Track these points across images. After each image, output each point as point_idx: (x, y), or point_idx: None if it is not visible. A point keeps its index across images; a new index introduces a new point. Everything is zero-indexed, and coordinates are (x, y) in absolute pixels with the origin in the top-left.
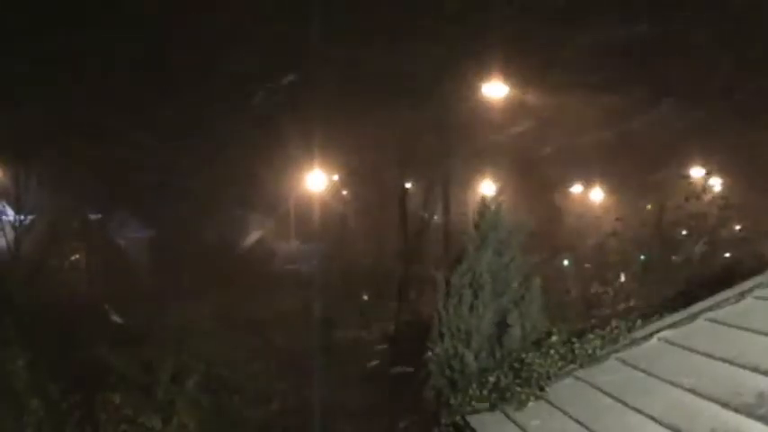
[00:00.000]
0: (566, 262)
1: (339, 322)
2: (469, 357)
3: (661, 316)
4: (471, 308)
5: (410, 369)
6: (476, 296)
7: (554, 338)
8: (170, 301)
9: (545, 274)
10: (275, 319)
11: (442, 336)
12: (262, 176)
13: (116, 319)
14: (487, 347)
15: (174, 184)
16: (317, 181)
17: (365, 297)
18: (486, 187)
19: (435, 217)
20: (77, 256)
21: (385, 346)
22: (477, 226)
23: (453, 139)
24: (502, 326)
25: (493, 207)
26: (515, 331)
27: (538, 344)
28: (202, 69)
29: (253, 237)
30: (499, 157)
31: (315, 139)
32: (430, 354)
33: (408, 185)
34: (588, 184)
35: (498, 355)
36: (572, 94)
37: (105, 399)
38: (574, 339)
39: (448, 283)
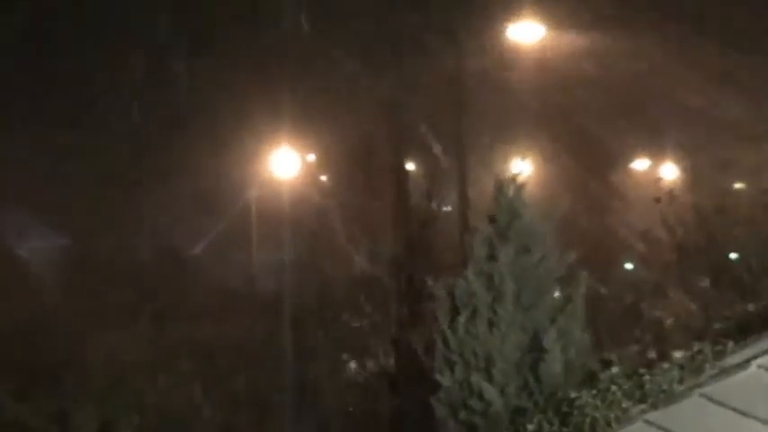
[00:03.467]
0: (628, 265)
1: (315, 353)
2: (492, 392)
3: (760, 336)
4: (490, 325)
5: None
6: (493, 309)
7: (614, 370)
8: (91, 331)
9: (594, 279)
10: (229, 352)
11: (451, 365)
12: (210, 161)
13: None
14: (517, 380)
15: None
16: (285, 164)
17: (352, 320)
18: (520, 165)
19: (448, 208)
20: None
21: (376, 383)
22: (492, 218)
23: (472, 102)
24: (534, 350)
25: (511, 190)
26: (554, 358)
27: (591, 377)
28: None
29: (199, 245)
30: (536, 125)
31: (282, 105)
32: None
33: (410, 166)
34: (658, 157)
35: (535, 391)
36: (640, 34)
37: None
38: (642, 371)
39: (453, 294)
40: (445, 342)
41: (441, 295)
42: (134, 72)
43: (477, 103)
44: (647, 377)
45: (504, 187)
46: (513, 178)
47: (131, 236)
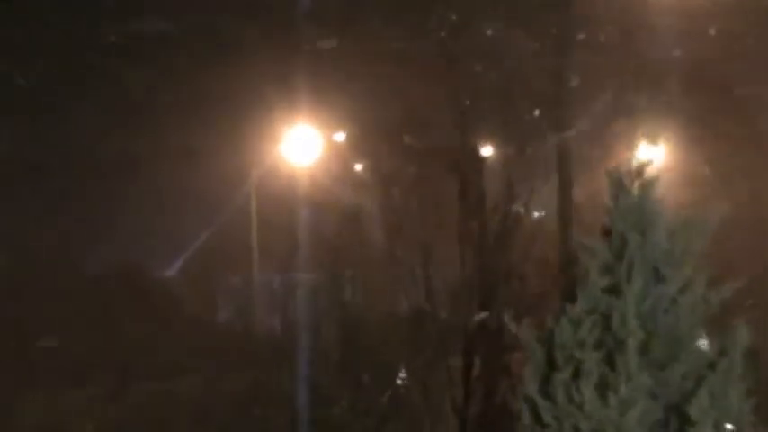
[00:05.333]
0: None
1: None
2: None
3: None
4: (602, 388)
5: None
6: (609, 365)
7: None
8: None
9: (761, 322)
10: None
11: None
12: (189, 142)
13: None
14: None
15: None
16: (301, 146)
17: (401, 375)
18: (650, 151)
19: (540, 213)
20: None
21: None
22: (607, 229)
23: (575, 65)
24: (672, 425)
25: (636, 189)
26: None
27: None
28: None
29: (174, 263)
30: (677, 92)
31: (296, 63)
32: None
33: (486, 151)
34: None
35: None
36: None
37: None
38: None
39: (549, 341)
40: (534, 413)
41: (529, 342)
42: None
43: (584, 62)
44: None
45: (625, 184)
46: (640, 170)
47: (78, 247)
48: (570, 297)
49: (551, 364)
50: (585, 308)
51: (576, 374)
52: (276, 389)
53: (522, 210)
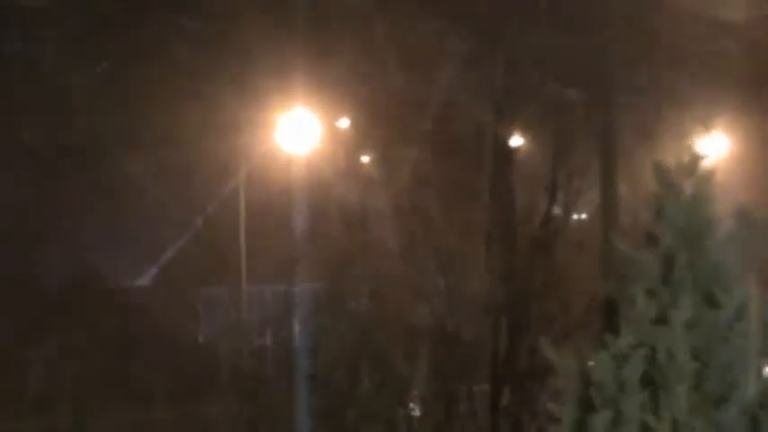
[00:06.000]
0: None
1: None
2: None
3: None
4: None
5: None
6: (654, 403)
7: None
8: None
9: None
10: None
11: None
12: (180, 132)
13: None
14: None
15: None
16: (298, 133)
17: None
18: (706, 143)
19: (580, 215)
20: None
21: None
22: (653, 236)
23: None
24: None
25: (689, 186)
26: None
27: None
28: None
29: (148, 271)
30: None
31: (295, 42)
32: None
33: (517, 141)
34: None
35: None
36: None
37: None
38: None
39: (585, 377)
40: None
41: (564, 375)
42: None
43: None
44: None
45: (675, 181)
46: (692, 165)
47: (36, 251)
48: (611, 325)
49: (588, 403)
50: (632, 342)
51: (618, 419)
52: (269, 424)
53: (560, 211)
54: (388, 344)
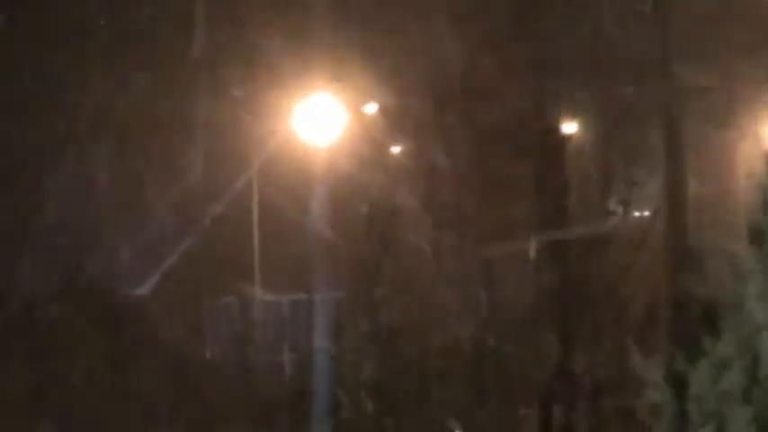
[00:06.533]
0: None
1: None
2: None
3: None
4: None
5: None
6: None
7: None
8: None
9: None
10: None
11: None
12: (182, 116)
13: None
14: None
15: None
16: (321, 120)
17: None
18: None
19: (643, 213)
20: None
21: None
22: (757, 232)
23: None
24: None
25: None
26: None
27: None
28: None
29: (148, 279)
30: None
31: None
32: None
33: (570, 127)
34: None
35: None
36: None
37: None
38: None
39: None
40: None
41: (659, 387)
42: None
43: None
44: None
45: None
46: None
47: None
48: (700, 327)
49: (683, 419)
50: (735, 347)
51: None
52: None
53: (619, 208)
54: (420, 360)
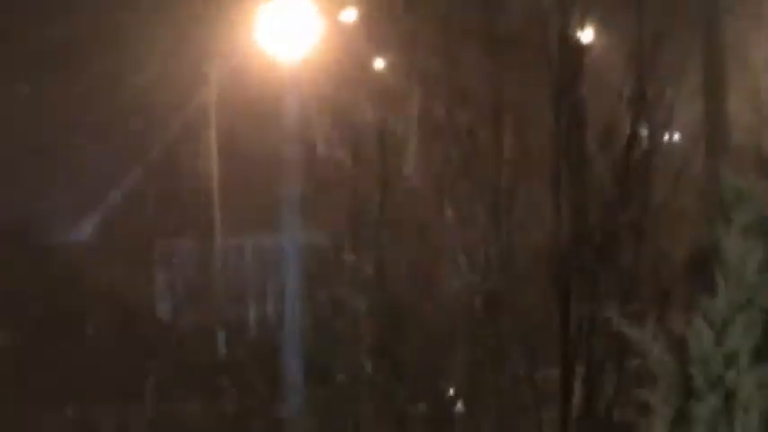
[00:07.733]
0: None
1: None
2: None
3: None
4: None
5: None
6: None
7: None
8: None
9: None
10: None
11: None
12: (127, 31)
13: None
14: None
15: None
16: (290, 29)
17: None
18: None
19: (673, 136)
20: None
21: None
22: None
23: None
24: None
25: None
26: None
27: None
28: None
29: (86, 222)
30: None
31: None
32: None
33: (589, 37)
34: None
35: None
36: None
37: None
38: None
39: (681, 353)
40: None
41: (657, 356)
42: None
43: None
44: None
45: None
46: None
47: None
48: (710, 282)
49: (688, 387)
50: (733, 301)
51: (729, 406)
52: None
53: (649, 132)
54: (416, 315)
